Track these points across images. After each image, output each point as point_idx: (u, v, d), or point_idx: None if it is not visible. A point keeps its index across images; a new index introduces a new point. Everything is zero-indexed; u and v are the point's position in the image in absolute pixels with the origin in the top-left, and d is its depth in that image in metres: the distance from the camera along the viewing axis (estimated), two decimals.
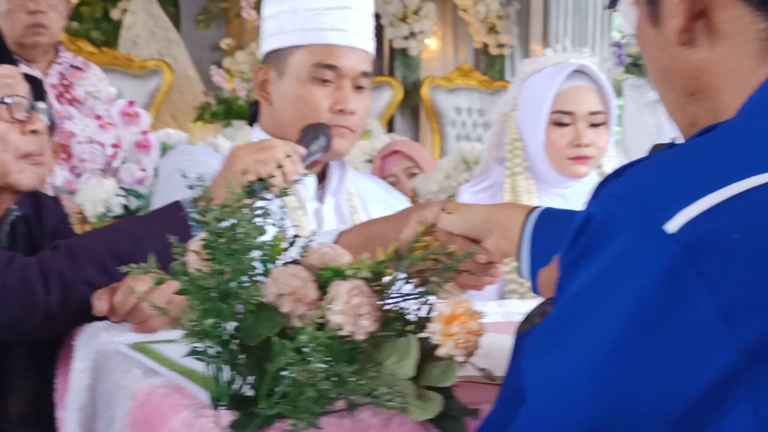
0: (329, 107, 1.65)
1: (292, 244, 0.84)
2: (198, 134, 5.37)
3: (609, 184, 0.59)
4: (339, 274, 0.80)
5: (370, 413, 0.77)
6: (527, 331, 0.68)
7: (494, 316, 1.45)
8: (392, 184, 3.05)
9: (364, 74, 1.69)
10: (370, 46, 1.72)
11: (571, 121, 1.91)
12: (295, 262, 0.83)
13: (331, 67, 1.65)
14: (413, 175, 2.93)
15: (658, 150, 0.95)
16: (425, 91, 6.40)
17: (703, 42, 0.68)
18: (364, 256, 0.81)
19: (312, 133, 1.56)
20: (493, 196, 2.03)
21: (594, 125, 1.92)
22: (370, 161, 4.17)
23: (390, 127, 6.59)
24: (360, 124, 1.72)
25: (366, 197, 1.86)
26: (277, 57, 1.70)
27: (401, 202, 1.92)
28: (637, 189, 0.56)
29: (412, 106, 6.74)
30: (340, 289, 0.76)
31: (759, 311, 0.51)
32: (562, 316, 0.58)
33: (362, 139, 5.16)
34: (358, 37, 1.69)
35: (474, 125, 6.57)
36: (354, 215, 1.78)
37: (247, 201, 0.83)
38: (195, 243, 0.79)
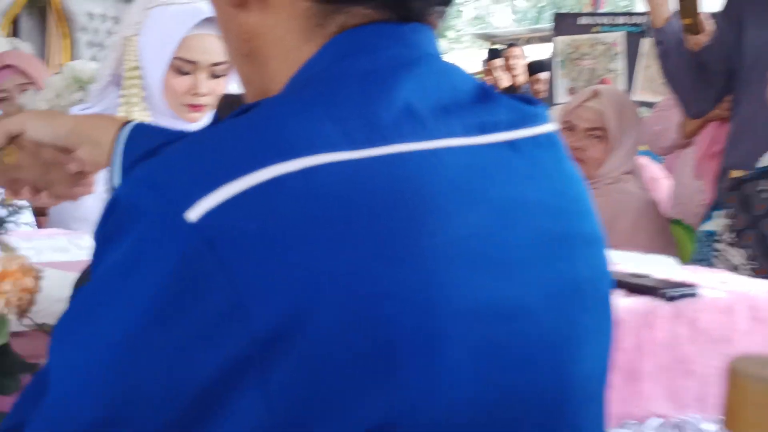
0: None
1: None
2: None
3: (140, 164, 0.57)
4: None
5: None
6: (77, 291, 0.66)
7: (88, 250, 1.41)
8: (3, 100, 2.82)
9: None
10: None
11: (192, 70, 1.87)
12: None
13: None
14: None
15: (228, 99, 0.97)
16: None
17: (255, 7, 0.68)
18: None
19: None
20: None
21: (215, 76, 1.89)
22: None
23: (15, 29, 6.08)
24: None
25: None
26: None
27: None
28: (163, 173, 0.55)
29: (40, 7, 6.25)
30: None
31: (268, 301, 0.52)
32: (86, 299, 0.56)
33: None
34: None
35: (108, 33, 6.28)
36: None
37: None
38: None
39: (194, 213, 0.52)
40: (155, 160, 0.57)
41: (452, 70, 0.68)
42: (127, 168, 0.97)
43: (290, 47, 0.67)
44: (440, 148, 0.61)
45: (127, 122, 1.02)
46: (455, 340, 0.57)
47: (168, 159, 0.56)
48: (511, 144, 0.66)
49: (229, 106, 0.90)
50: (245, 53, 0.71)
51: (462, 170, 0.61)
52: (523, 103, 0.70)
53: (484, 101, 0.67)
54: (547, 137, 0.70)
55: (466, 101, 0.66)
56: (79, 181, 1.07)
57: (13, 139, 1.02)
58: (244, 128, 0.58)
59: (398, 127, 0.60)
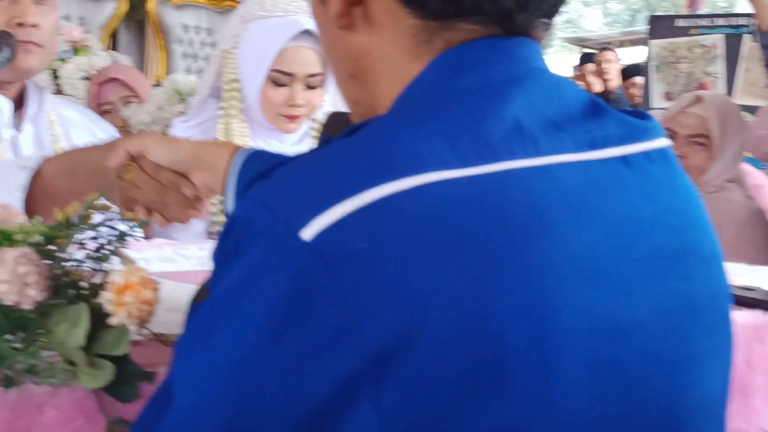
0: (6, 22, 1.55)
1: None
2: None
3: (256, 184, 0.59)
4: (7, 238, 0.76)
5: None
6: (196, 306, 0.68)
7: (193, 260, 1.45)
8: (108, 112, 2.92)
9: None
10: None
11: (289, 81, 1.90)
12: None
13: None
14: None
15: (334, 117, 0.98)
16: (151, 5, 6.15)
17: (362, 28, 0.69)
18: (37, 219, 0.78)
19: None
20: (205, 133, 2.00)
21: (310, 87, 1.92)
22: (87, 78, 3.96)
23: (114, 41, 6.27)
24: (48, 38, 1.61)
25: (69, 126, 1.77)
26: None
27: (108, 133, 1.84)
28: (277, 193, 0.57)
29: (137, 21, 6.44)
30: (5, 256, 0.73)
31: (380, 318, 0.53)
32: (206, 317, 0.58)
33: (80, 54, 4.90)
34: None
35: (202, 44, 6.42)
36: (55, 144, 1.70)
37: None
38: None
39: (308, 232, 0.54)
40: (270, 180, 0.58)
41: (561, 83, 0.67)
42: (242, 189, 0.99)
43: (397, 65, 0.68)
44: (551, 164, 0.61)
45: (241, 149, 1.05)
46: (568, 358, 0.57)
47: (282, 179, 0.58)
48: (624, 159, 0.65)
49: (336, 124, 0.91)
50: (353, 73, 0.72)
51: (574, 186, 0.61)
52: (633, 116, 0.69)
53: (593, 115, 0.66)
54: (660, 152, 0.68)
55: (576, 116, 0.65)
56: (192, 204, 1.10)
57: (134, 159, 1.06)
58: (355, 148, 0.59)
59: (508, 143, 0.60)
